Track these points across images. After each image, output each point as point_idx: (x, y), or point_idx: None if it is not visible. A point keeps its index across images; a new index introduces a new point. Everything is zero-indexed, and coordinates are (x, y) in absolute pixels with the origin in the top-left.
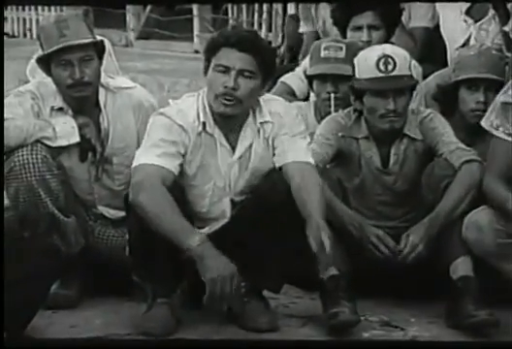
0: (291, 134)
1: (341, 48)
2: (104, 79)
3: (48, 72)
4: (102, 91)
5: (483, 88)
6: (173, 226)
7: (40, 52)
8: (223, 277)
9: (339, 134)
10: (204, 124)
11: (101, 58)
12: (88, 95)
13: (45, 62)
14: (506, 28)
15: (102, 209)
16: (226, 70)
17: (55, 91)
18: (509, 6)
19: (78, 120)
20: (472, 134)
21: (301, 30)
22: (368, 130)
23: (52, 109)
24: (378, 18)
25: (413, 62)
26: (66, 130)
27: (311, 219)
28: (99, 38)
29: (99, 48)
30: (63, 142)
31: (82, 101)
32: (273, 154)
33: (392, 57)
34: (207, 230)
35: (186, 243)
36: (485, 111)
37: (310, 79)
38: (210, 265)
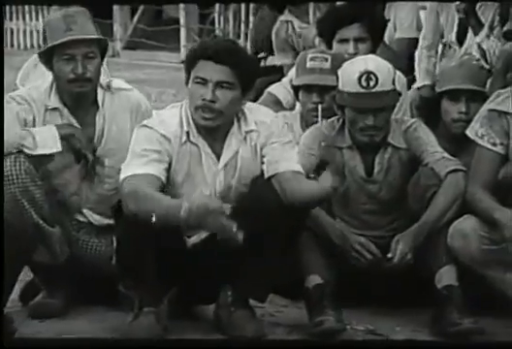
0: (281, 142)
1: (327, 59)
2: (102, 79)
3: (50, 65)
4: (100, 91)
5: (464, 99)
6: (162, 209)
7: (42, 48)
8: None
9: (322, 143)
10: (188, 134)
11: (103, 57)
12: (87, 91)
13: (47, 56)
14: (477, 39)
15: (86, 212)
16: (204, 82)
17: (49, 92)
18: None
19: (62, 130)
20: (456, 144)
21: (278, 63)
22: (351, 140)
23: (47, 109)
24: (365, 30)
25: (398, 73)
26: (46, 140)
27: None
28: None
29: (102, 47)
30: (44, 151)
31: (81, 98)
32: (262, 162)
33: (374, 73)
34: (195, 238)
35: (180, 213)
36: (467, 121)
37: (296, 89)
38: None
